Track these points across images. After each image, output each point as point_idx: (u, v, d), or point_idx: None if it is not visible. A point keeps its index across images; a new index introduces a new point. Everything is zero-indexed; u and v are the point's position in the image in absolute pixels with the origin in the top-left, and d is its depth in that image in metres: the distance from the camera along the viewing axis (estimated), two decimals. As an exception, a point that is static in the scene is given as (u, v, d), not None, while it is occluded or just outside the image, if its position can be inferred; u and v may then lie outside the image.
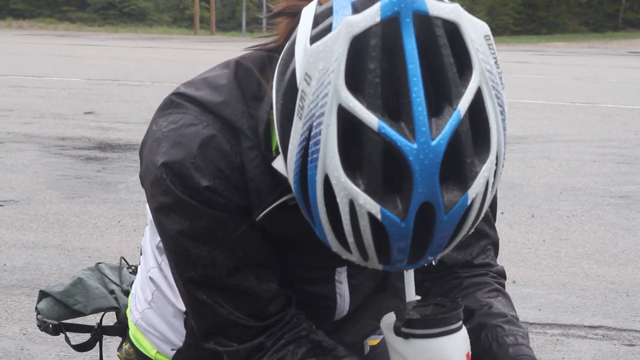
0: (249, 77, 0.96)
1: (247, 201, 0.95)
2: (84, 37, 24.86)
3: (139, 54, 16.64)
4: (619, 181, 5.43)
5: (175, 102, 0.97)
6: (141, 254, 1.18)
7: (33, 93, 9.46)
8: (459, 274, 1.09)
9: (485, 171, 0.78)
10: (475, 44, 0.77)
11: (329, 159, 0.76)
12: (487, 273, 1.11)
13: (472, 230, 0.82)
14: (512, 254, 3.73)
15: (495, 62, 0.79)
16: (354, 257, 0.82)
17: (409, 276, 0.93)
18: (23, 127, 7.03)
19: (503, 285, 1.12)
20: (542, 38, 29.67)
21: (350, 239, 0.79)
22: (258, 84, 0.95)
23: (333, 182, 0.77)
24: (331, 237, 0.81)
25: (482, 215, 0.81)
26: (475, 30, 0.77)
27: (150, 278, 1.12)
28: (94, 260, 3.38)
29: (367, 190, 0.76)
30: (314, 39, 0.77)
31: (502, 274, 1.13)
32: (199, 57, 15.98)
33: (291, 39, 0.82)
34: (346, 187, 0.76)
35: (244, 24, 30.61)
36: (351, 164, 0.76)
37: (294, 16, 0.87)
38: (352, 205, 0.77)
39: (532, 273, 3.54)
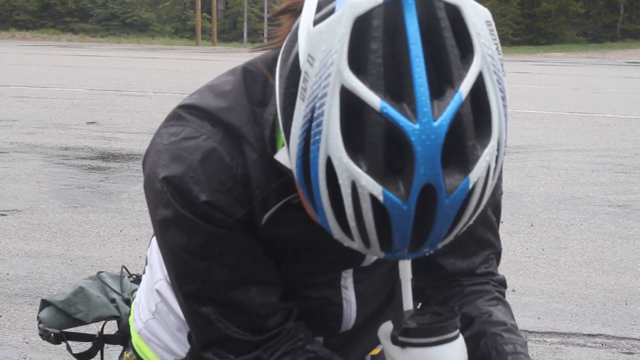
0: (254, 83, 0.96)
1: (250, 214, 0.94)
2: (86, 48, 24.95)
3: (141, 64, 16.69)
4: (617, 190, 5.44)
5: (178, 114, 0.97)
6: (146, 264, 1.17)
7: (36, 103, 9.49)
8: (460, 281, 1.09)
9: (486, 155, 0.76)
10: (476, 28, 0.76)
11: (331, 140, 0.75)
12: (489, 282, 1.10)
13: (472, 220, 0.81)
14: (511, 263, 3.73)
15: (497, 48, 0.78)
16: (356, 244, 0.80)
17: (407, 285, 0.93)
18: (26, 137, 7.06)
19: (503, 294, 1.12)
20: (541, 48, 29.71)
21: (352, 223, 0.78)
22: (263, 90, 0.95)
23: (335, 163, 0.75)
24: (333, 222, 0.79)
25: (484, 203, 0.80)
26: (477, 15, 0.77)
27: (157, 290, 1.12)
28: (97, 269, 3.39)
29: (369, 172, 0.75)
30: (317, 22, 0.77)
31: (502, 283, 1.13)
32: (200, 67, 16.03)
33: (294, 25, 0.82)
34: (348, 169, 0.75)
35: (245, 34, 30.69)
36: (353, 145, 0.75)
37: (297, 14, 0.87)
38: (354, 187, 0.75)
39: (531, 282, 3.54)
